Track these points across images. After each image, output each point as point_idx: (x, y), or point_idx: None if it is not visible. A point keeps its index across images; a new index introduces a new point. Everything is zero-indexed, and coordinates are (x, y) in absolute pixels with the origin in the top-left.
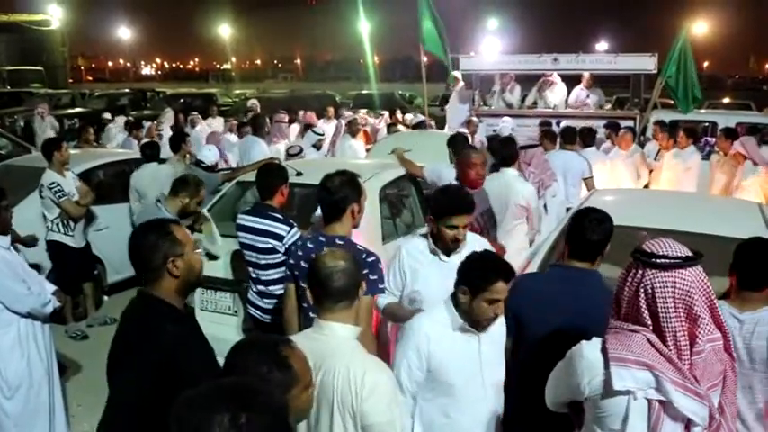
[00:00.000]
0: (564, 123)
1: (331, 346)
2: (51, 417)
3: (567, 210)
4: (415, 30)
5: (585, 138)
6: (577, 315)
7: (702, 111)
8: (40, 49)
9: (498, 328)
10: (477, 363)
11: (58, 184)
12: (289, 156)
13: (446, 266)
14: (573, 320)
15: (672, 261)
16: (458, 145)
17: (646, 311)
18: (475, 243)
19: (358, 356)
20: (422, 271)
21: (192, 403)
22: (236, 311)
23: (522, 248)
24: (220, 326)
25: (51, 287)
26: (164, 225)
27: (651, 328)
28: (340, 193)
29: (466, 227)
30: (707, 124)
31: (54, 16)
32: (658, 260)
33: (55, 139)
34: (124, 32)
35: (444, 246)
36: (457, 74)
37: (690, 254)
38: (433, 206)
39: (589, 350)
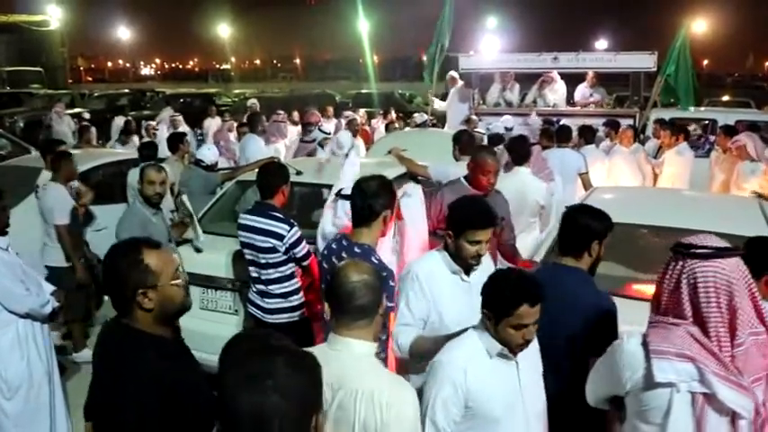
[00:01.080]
0: (563, 122)
1: (349, 364)
2: (52, 417)
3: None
4: (416, 29)
5: (586, 135)
6: (555, 312)
7: (702, 108)
8: (39, 50)
9: (534, 353)
10: (518, 391)
11: None
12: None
13: (468, 287)
14: (550, 319)
15: (712, 251)
16: (463, 143)
17: (687, 303)
18: (486, 261)
19: (379, 376)
20: (443, 294)
21: (245, 357)
22: (236, 311)
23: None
24: (221, 325)
25: (50, 287)
26: (135, 250)
27: (692, 320)
28: (375, 197)
29: (488, 241)
30: (706, 122)
31: (53, 17)
32: (699, 250)
33: (51, 142)
34: (123, 33)
35: (464, 263)
36: (454, 73)
37: (728, 246)
38: (452, 220)
39: (630, 344)
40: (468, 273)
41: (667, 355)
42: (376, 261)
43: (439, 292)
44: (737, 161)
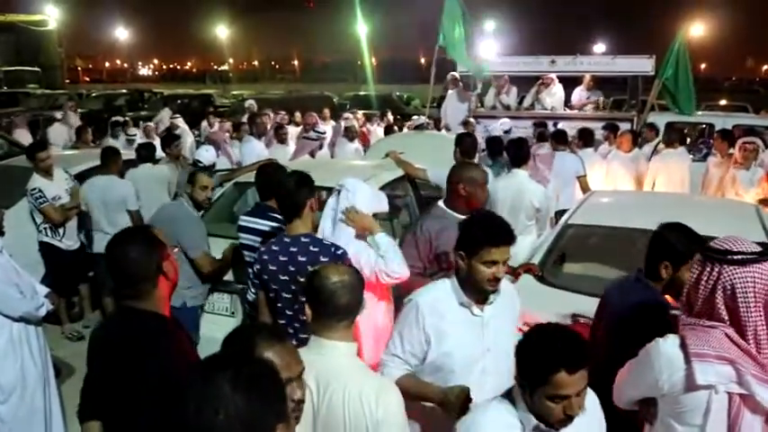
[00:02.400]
0: (560, 125)
1: (335, 366)
2: (47, 420)
3: (560, 212)
4: (414, 31)
5: (585, 138)
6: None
7: (699, 113)
8: (36, 50)
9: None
10: None
11: (40, 190)
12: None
13: (480, 322)
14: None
15: (749, 256)
16: (465, 146)
17: (723, 308)
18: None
19: (366, 377)
20: (450, 330)
21: (197, 370)
22: (233, 313)
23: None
24: (218, 327)
25: (44, 289)
26: (146, 231)
27: (728, 323)
28: (297, 191)
29: (506, 262)
30: (703, 126)
31: (51, 16)
32: (736, 256)
33: (38, 143)
34: (121, 33)
35: (478, 288)
36: (456, 74)
37: (762, 248)
38: (464, 237)
39: (667, 347)
40: (483, 300)
41: (708, 358)
42: (327, 243)
43: (444, 327)
44: (734, 166)
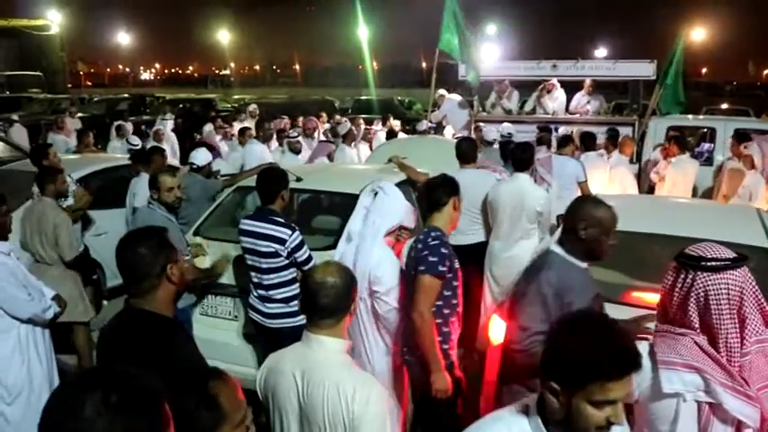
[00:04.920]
0: (562, 129)
1: (319, 360)
2: None
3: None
4: (415, 36)
5: (587, 142)
6: None
7: (701, 117)
8: (39, 54)
9: None
10: None
11: None
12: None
13: None
14: None
15: (723, 263)
16: (463, 150)
17: (695, 315)
18: None
19: (347, 371)
20: None
21: (68, 383)
22: (236, 316)
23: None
24: (221, 331)
25: (50, 292)
26: (156, 232)
27: (699, 330)
28: (438, 189)
29: (626, 397)
30: (705, 130)
31: (53, 21)
32: (710, 263)
33: (42, 146)
34: (123, 38)
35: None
36: (442, 92)
37: (737, 255)
38: (558, 363)
39: None
40: None
41: (674, 366)
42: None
43: None
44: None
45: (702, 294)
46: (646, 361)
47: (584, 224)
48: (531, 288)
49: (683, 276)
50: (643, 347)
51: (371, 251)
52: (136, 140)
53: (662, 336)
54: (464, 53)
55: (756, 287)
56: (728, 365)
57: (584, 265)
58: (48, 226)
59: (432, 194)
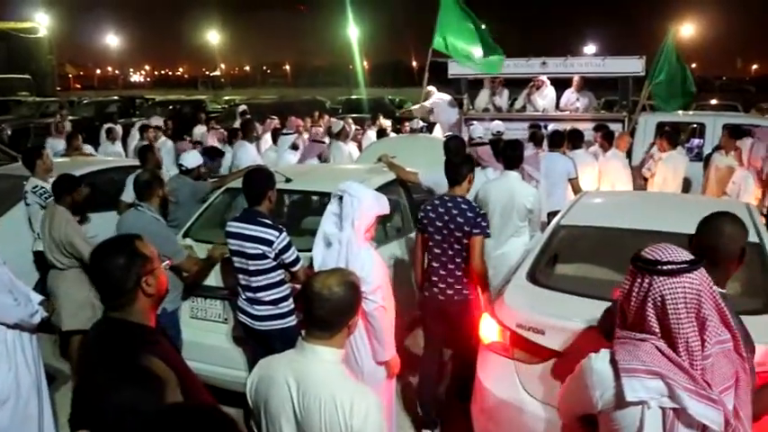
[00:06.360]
0: (552, 126)
1: (314, 370)
2: (40, 428)
3: (553, 213)
4: (406, 35)
5: (574, 140)
6: None
7: (690, 112)
8: (27, 57)
9: None
10: None
11: (43, 187)
12: None
13: None
14: None
15: (679, 266)
16: (451, 149)
17: (654, 320)
18: None
19: (343, 383)
20: None
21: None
22: (225, 319)
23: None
24: (211, 334)
25: (38, 297)
26: (130, 242)
27: (659, 335)
28: (460, 165)
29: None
30: (695, 126)
31: (41, 24)
32: (665, 267)
33: (35, 148)
34: (112, 40)
35: None
36: (431, 88)
37: (693, 257)
38: None
39: (598, 363)
40: None
41: (637, 373)
42: (472, 205)
43: None
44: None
45: (659, 299)
46: (608, 369)
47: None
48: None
49: (639, 281)
50: (604, 356)
51: (359, 254)
52: (119, 149)
53: (622, 343)
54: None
55: (714, 287)
56: (691, 369)
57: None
58: (59, 234)
59: (456, 170)
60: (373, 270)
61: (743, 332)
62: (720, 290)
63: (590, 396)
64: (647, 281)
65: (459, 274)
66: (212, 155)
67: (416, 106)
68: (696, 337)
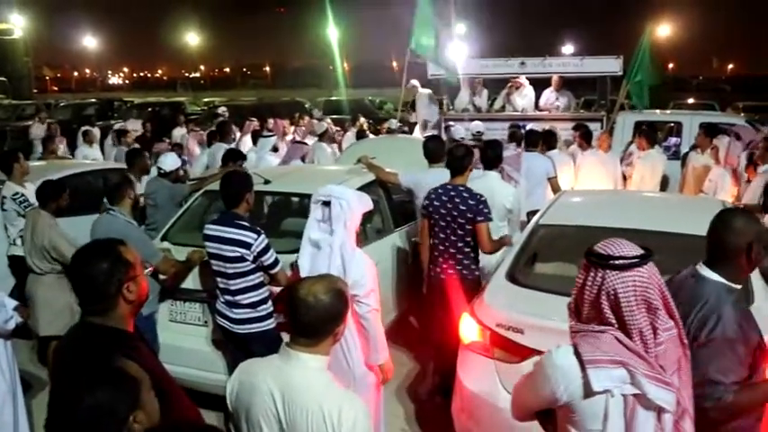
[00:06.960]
0: (530, 126)
1: (298, 378)
2: None
3: (532, 213)
4: (386, 35)
5: (549, 140)
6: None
7: (668, 111)
8: (2, 59)
9: None
10: None
11: (23, 194)
12: None
13: None
14: None
15: (630, 261)
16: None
17: (609, 312)
18: None
19: (329, 392)
20: None
21: None
22: (205, 322)
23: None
24: (190, 337)
25: (12, 302)
26: (112, 248)
27: (616, 326)
28: (463, 158)
29: None
30: (672, 124)
31: (17, 25)
32: (617, 261)
33: (12, 151)
34: (90, 41)
35: None
36: (414, 82)
37: (643, 252)
38: None
39: (560, 358)
40: None
41: (602, 364)
42: (474, 193)
43: None
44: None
45: (612, 292)
46: (572, 363)
47: (755, 245)
48: (710, 342)
49: (592, 275)
50: (566, 350)
51: (353, 257)
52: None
53: (582, 335)
54: (436, 52)
55: (661, 280)
56: (647, 356)
57: (737, 286)
58: (43, 239)
59: (459, 161)
60: (366, 274)
61: (751, 322)
62: (734, 286)
63: (553, 391)
64: (600, 275)
65: (461, 256)
66: (236, 158)
67: (408, 85)
68: (648, 327)
